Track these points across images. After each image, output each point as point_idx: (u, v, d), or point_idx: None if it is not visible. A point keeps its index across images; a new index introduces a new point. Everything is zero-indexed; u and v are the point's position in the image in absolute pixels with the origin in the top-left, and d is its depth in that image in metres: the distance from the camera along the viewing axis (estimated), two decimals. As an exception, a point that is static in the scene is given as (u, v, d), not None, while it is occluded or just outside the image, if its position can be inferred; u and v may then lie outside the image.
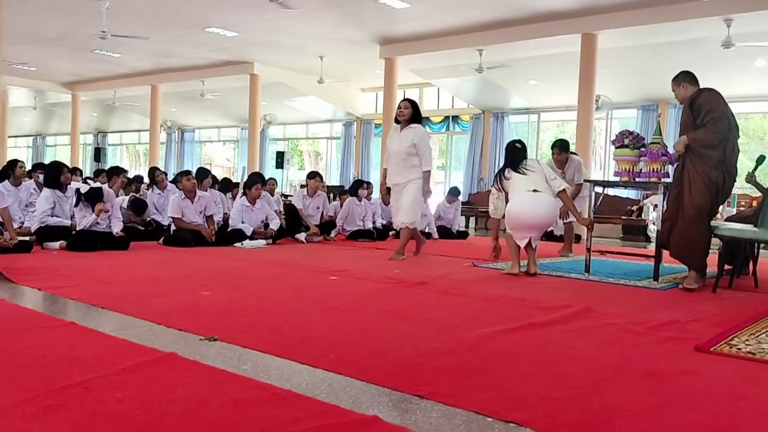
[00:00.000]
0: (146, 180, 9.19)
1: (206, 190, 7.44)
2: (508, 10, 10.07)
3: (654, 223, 10.19)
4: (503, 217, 5.42)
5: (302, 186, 8.63)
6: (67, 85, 18.85)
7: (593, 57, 10.31)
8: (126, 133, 24.54)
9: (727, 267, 4.66)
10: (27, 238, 5.72)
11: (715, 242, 4.57)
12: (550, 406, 1.86)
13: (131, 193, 7.92)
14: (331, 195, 9.60)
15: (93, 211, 5.87)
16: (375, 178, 14.41)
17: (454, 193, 9.85)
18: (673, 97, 4.42)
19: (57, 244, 5.78)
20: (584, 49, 10.30)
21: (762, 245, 5.24)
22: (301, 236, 7.66)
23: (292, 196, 10.28)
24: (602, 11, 9.83)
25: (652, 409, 1.87)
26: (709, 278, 4.49)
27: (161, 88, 17.11)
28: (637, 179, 4.99)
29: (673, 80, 4.62)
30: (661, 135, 4.97)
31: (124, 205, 7.05)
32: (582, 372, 2.25)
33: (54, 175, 6.16)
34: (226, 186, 9.02)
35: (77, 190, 5.98)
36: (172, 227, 6.75)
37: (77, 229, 5.90)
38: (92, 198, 5.89)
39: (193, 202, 6.77)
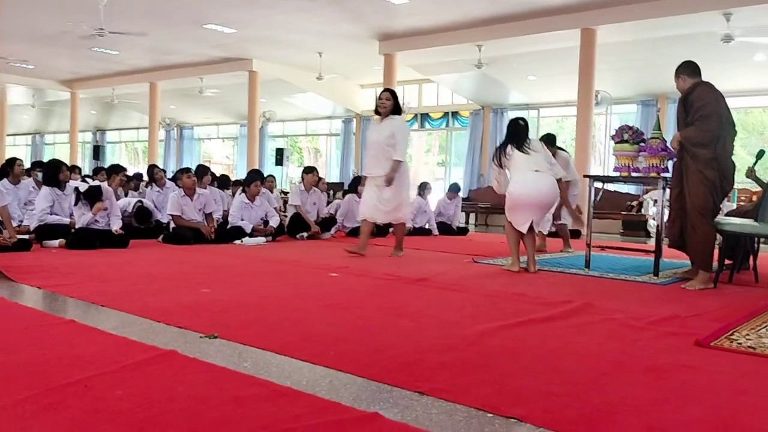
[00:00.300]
0: (145, 178, 9.19)
1: (206, 188, 7.43)
2: (507, 6, 10.06)
3: (654, 219, 10.18)
4: None
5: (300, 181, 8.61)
6: (65, 83, 18.83)
7: (592, 52, 10.29)
8: (125, 131, 24.51)
9: (727, 262, 4.66)
10: (26, 237, 5.72)
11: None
12: (550, 402, 1.85)
13: (131, 192, 7.90)
14: (331, 192, 9.58)
15: (92, 209, 5.86)
16: (375, 175, 14.37)
17: (454, 189, 9.85)
18: (672, 92, 4.42)
19: (56, 243, 5.78)
20: (583, 44, 10.29)
21: (762, 240, 5.24)
22: (302, 235, 7.65)
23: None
24: (601, 6, 9.81)
25: (653, 403, 1.87)
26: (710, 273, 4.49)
27: (160, 86, 17.09)
28: (636, 174, 4.99)
29: (675, 72, 4.57)
30: (660, 130, 4.97)
31: (129, 209, 7.04)
32: (582, 367, 2.24)
33: (53, 173, 6.15)
34: (225, 183, 9.01)
35: (76, 189, 5.97)
36: (172, 225, 6.75)
37: (76, 227, 5.89)
38: (91, 196, 5.88)
39: (192, 200, 6.77)
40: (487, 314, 3.15)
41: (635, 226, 10.89)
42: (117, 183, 7.59)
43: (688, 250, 4.48)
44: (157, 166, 8.76)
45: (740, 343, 2.63)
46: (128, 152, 25.64)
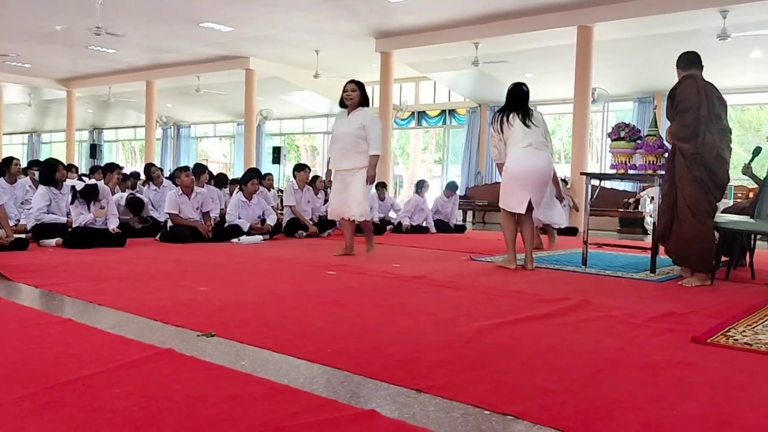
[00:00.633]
0: (142, 176, 9.18)
1: (203, 186, 7.43)
2: (504, 3, 10.06)
3: (651, 216, 10.20)
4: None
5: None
6: (62, 82, 18.79)
7: (589, 49, 10.31)
8: (122, 130, 24.47)
9: (724, 258, 4.67)
10: (23, 236, 5.71)
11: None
12: (547, 399, 1.86)
13: (128, 190, 7.89)
14: (328, 190, 9.56)
15: (89, 208, 5.86)
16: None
17: (451, 187, 9.86)
18: (669, 89, 4.38)
19: (53, 242, 5.77)
20: (580, 41, 10.30)
21: (758, 237, 5.25)
22: (301, 233, 7.64)
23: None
24: (598, 3, 9.82)
25: (650, 400, 1.87)
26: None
27: (156, 84, 17.06)
28: (633, 172, 4.99)
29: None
30: (657, 127, 4.97)
31: (122, 202, 7.03)
32: (579, 364, 2.25)
33: (49, 172, 6.14)
34: (222, 181, 9.01)
35: (73, 188, 5.97)
36: (169, 223, 6.74)
37: (73, 226, 5.89)
38: (88, 195, 5.88)
39: (190, 198, 6.76)
40: (484, 311, 3.15)
41: (632, 224, 10.91)
42: (114, 182, 7.59)
43: (668, 245, 4.42)
44: (154, 165, 8.75)
45: (736, 340, 2.64)
46: (125, 151, 25.61)
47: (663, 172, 4.84)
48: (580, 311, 3.20)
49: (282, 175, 16.64)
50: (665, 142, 4.74)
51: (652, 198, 9.60)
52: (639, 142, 4.94)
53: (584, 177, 5.36)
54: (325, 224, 8.09)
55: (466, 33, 11.36)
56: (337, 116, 5.69)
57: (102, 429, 1.57)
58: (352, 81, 5.54)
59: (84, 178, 8.06)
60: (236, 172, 17.83)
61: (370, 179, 5.43)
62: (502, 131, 4.93)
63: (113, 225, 6.04)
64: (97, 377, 1.93)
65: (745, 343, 2.59)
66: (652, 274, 4.72)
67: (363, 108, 5.47)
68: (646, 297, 3.77)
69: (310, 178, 8.19)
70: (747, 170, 5.30)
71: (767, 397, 1.94)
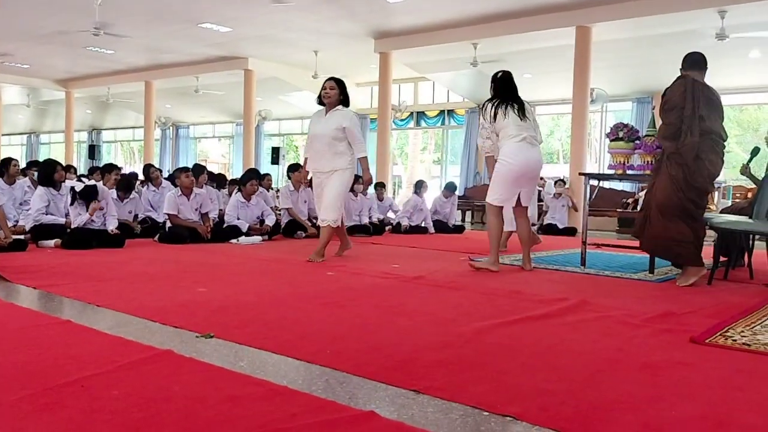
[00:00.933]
0: (141, 177, 9.17)
1: (202, 187, 7.43)
2: (503, 3, 10.07)
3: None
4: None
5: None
6: (60, 83, 18.78)
7: (588, 50, 10.32)
8: (120, 130, 24.47)
9: (722, 259, 4.67)
10: (22, 237, 5.70)
11: (710, 234, 4.58)
12: (546, 399, 1.86)
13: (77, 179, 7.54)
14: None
15: (87, 209, 5.85)
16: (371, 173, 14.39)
17: (450, 188, 9.86)
18: (665, 90, 4.38)
19: (52, 243, 5.77)
20: (579, 41, 10.31)
21: (757, 237, 5.26)
22: (300, 234, 7.63)
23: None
24: (596, 4, 9.83)
25: (648, 400, 1.87)
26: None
27: (155, 85, 17.06)
28: (631, 172, 5.00)
29: None
30: (655, 127, 4.97)
31: (114, 196, 6.84)
32: (578, 365, 2.25)
33: (47, 173, 6.14)
34: (220, 181, 9.00)
35: (72, 188, 5.96)
36: (168, 224, 6.74)
37: (72, 227, 5.88)
38: (87, 196, 5.88)
39: (189, 199, 6.76)
40: (483, 312, 3.15)
41: (631, 224, 10.88)
42: (111, 182, 7.57)
43: (642, 240, 4.43)
44: (153, 166, 8.73)
45: (735, 340, 2.64)
46: (124, 152, 25.61)
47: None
48: (579, 311, 3.21)
49: (281, 175, 16.64)
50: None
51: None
52: (637, 142, 4.95)
53: (583, 177, 5.36)
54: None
55: (464, 33, 11.37)
56: (314, 115, 5.35)
57: (101, 430, 1.57)
58: (332, 78, 5.24)
59: (83, 179, 8.05)
60: (235, 173, 17.82)
61: (367, 183, 5.40)
62: (495, 121, 4.71)
63: (112, 226, 6.04)
64: (96, 378, 1.93)
65: (744, 344, 2.59)
66: (651, 275, 4.72)
67: (342, 108, 5.18)
68: (644, 297, 3.77)
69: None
70: (745, 170, 5.30)
71: (765, 398, 1.94)
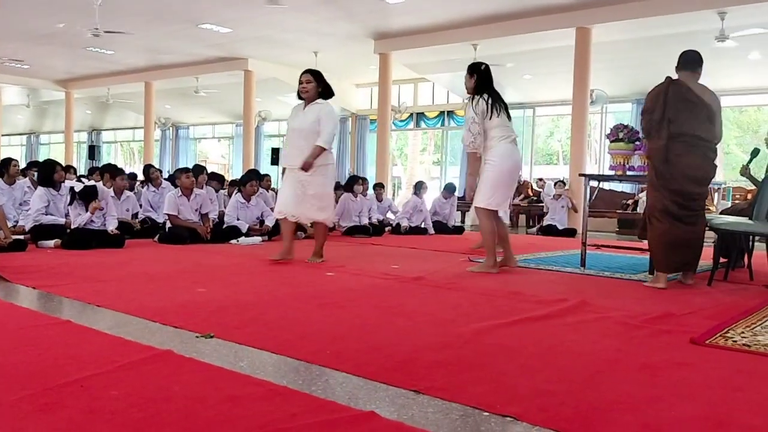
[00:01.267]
0: (141, 177, 9.17)
1: (202, 188, 7.43)
2: (503, 4, 10.08)
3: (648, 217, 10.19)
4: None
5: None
6: (60, 83, 18.78)
7: (588, 51, 10.33)
8: (120, 131, 24.47)
9: (722, 260, 4.67)
10: (21, 237, 5.70)
11: (710, 235, 4.57)
12: (546, 400, 1.86)
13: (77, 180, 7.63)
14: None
15: (87, 209, 5.85)
16: (371, 174, 14.41)
17: (450, 189, 9.86)
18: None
19: (52, 243, 5.76)
20: (579, 43, 10.32)
21: (757, 238, 5.26)
22: (300, 234, 7.62)
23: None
24: (596, 5, 9.84)
25: (648, 401, 1.87)
26: (705, 271, 4.51)
27: (155, 85, 17.07)
28: (631, 173, 5.00)
29: None
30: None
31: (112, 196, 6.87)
32: (578, 365, 2.25)
33: (47, 173, 6.14)
34: (219, 181, 8.98)
35: (71, 189, 5.96)
36: (168, 224, 6.74)
37: (72, 227, 5.88)
38: (86, 196, 5.88)
39: (189, 200, 6.76)
40: (482, 312, 3.15)
41: (631, 225, 10.91)
42: (114, 184, 7.57)
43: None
44: (153, 166, 8.74)
45: (735, 341, 2.64)
46: (124, 152, 25.61)
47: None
48: (579, 312, 3.21)
49: (281, 176, 16.64)
50: None
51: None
52: (637, 143, 4.95)
53: (583, 178, 5.36)
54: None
55: (464, 34, 11.38)
56: (293, 110, 5.15)
57: (101, 430, 1.57)
58: (308, 71, 5.01)
59: (83, 179, 8.05)
60: (235, 173, 17.83)
61: (304, 165, 4.82)
62: (490, 119, 4.57)
63: (112, 226, 6.03)
64: (96, 378, 1.93)
65: (744, 345, 2.59)
66: (650, 276, 4.71)
67: (321, 101, 4.96)
68: (644, 298, 3.77)
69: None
70: (745, 172, 5.31)
71: (766, 398, 1.94)
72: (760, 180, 5.10)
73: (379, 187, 9.70)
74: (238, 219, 7.06)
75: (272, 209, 7.82)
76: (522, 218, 12.79)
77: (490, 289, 3.90)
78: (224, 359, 2.24)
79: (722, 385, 2.06)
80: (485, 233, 4.72)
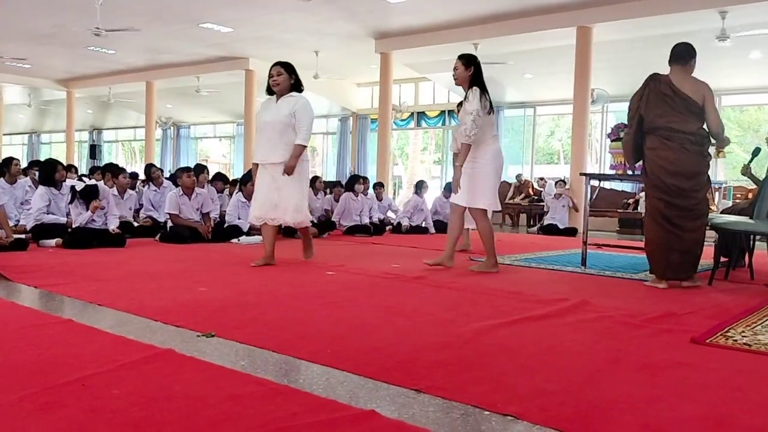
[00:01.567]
0: (142, 177, 9.19)
1: (203, 187, 7.44)
2: (503, 4, 10.07)
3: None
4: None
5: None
6: (61, 82, 18.79)
7: (589, 50, 10.32)
8: (121, 130, 24.49)
9: (723, 259, 4.67)
10: (22, 236, 5.71)
11: (711, 234, 4.57)
12: (546, 399, 1.86)
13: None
14: (328, 190, 9.58)
15: (88, 208, 5.86)
16: (371, 173, 14.40)
17: (450, 188, 9.85)
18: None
19: (53, 242, 5.77)
20: (580, 42, 10.31)
21: (757, 237, 5.26)
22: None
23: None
24: (597, 4, 9.83)
25: (648, 401, 1.87)
26: (705, 270, 4.50)
27: (156, 85, 17.07)
28: (632, 172, 5.00)
29: None
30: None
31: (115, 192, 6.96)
32: (578, 365, 2.25)
33: (48, 172, 6.15)
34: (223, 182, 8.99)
35: (72, 188, 5.97)
36: (169, 224, 6.75)
37: (73, 226, 5.89)
38: (87, 195, 5.89)
39: (190, 199, 6.77)
40: (483, 312, 3.15)
41: (631, 224, 10.91)
42: (117, 182, 7.59)
43: None
44: (154, 165, 8.75)
45: (736, 340, 2.64)
46: (125, 151, 25.61)
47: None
48: (579, 312, 3.21)
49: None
50: None
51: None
52: (638, 142, 4.94)
53: (583, 177, 5.36)
54: (324, 225, 8.09)
55: (465, 34, 11.37)
56: (263, 104, 4.94)
57: (102, 429, 1.57)
58: (278, 63, 4.80)
59: (84, 178, 8.06)
60: (236, 173, 17.83)
61: (288, 168, 4.68)
62: (489, 115, 4.59)
63: (113, 225, 6.04)
64: (97, 377, 1.94)
65: (745, 344, 2.59)
66: (652, 275, 4.71)
67: (295, 93, 4.77)
68: (645, 298, 3.77)
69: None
70: (746, 171, 5.30)
71: (766, 398, 1.94)
72: (760, 179, 5.10)
73: (379, 186, 9.71)
74: (239, 218, 7.06)
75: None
76: (523, 217, 12.79)
77: (490, 289, 3.90)
78: (225, 358, 2.24)
79: (723, 385, 2.06)
80: (485, 233, 4.71)
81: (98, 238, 5.78)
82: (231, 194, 8.12)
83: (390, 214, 9.70)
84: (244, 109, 15.29)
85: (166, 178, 8.55)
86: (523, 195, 12.92)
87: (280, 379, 2.01)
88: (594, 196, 5.39)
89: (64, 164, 6.76)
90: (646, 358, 2.36)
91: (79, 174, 9.47)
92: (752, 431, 1.69)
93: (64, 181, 6.24)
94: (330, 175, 17.62)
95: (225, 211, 7.42)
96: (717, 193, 6.76)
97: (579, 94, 10.52)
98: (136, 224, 7.19)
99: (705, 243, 4.23)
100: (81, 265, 4.54)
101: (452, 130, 4.71)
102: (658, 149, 4.05)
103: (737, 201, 9.61)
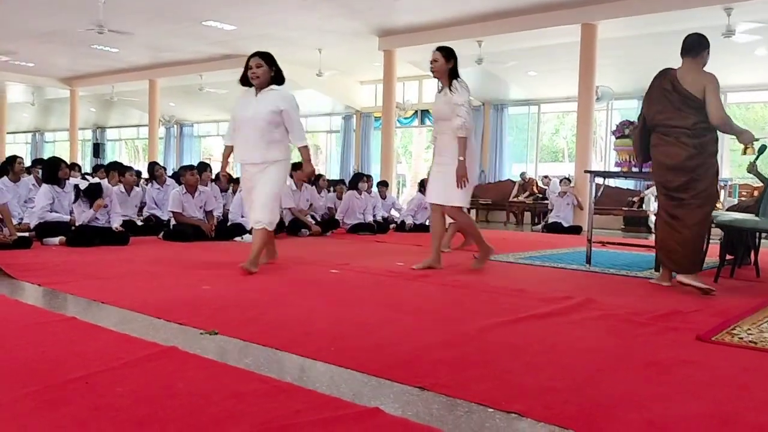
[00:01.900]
0: (146, 175, 9.19)
1: (206, 185, 7.43)
2: (508, 1, 10.04)
3: (655, 214, 10.16)
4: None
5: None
6: (65, 81, 18.82)
7: (593, 47, 10.28)
8: (125, 129, 24.50)
9: (728, 257, 4.65)
10: (26, 234, 5.71)
11: (716, 232, 4.55)
12: (551, 397, 1.85)
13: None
14: (331, 188, 9.56)
15: (91, 206, 5.87)
16: (375, 172, 14.39)
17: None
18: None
19: (56, 240, 5.78)
20: (584, 39, 10.27)
21: (763, 235, 5.23)
22: (304, 231, 7.61)
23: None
24: (602, 1, 9.79)
25: (654, 398, 1.86)
26: (711, 268, 4.49)
27: (159, 83, 17.07)
28: (637, 170, 4.98)
29: None
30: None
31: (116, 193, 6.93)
32: (583, 363, 2.24)
33: (52, 170, 6.15)
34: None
35: (76, 186, 5.98)
36: (172, 222, 6.75)
37: (77, 224, 5.90)
38: (91, 194, 5.89)
39: (193, 197, 6.77)
40: (487, 310, 3.15)
41: (636, 222, 10.88)
42: (115, 180, 7.60)
43: None
44: (157, 164, 8.76)
45: (741, 338, 2.63)
46: (128, 150, 25.65)
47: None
48: (584, 310, 3.20)
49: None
50: None
51: (656, 196, 9.55)
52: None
53: (588, 175, 5.34)
54: (328, 223, 8.09)
55: (469, 31, 11.33)
56: (240, 97, 4.57)
57: (105, 427, 1.57)
58: (257, 53, 4.49)
59: (87, 177, 8.07)
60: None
61: (309, 174, 4.55)
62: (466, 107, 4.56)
63: (116, 223, 6.04)
64: (101, 375, 1.94)
65: (750, 342, 2.57)
66: (656, 273, 4.69)
67: (276, 87, 4.43)
68: (650, 295, 3.76)
69: (314, 176, 8.16)
70: (752, 168, 5.27)
71: (772, 396, 1.93)
72: (767, 177, 5.08)
73: (382, 185, 9.69)
74: (242, 216, 7.05)
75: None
76: (527, 215, 12.76)
77: (494, 287, 3.89)
78: (228, 356, 2.24)
79: (728, 383, 2.05)
80: (467, 227, 4.77)
81: (101, 236, 5.79)
82: (234, 192, 8.12)
83: (394, 212, 9.68)
84: (247, 107, 15.27)
85: (170, 177, 8.55)
86: (527, 193, 12.89)
87: (283, 376, 2.01)
88: (599, 194, 5.37)
89: (68, 162, 6.77)
90: (651, 356, 2.35)
91: (83, 172, 9.48)
92: (758, 429, 1.68)
93: (68, 179, 6.24)
94: (333, 173, 17.61)
95: (228, 210, 7.42)
96: (722, 191, 6.74)
97: (583, 92, 10.48)
98: (139, 222, 7.21)
99: (711, 241, 4.21)
100: (84, 263, 4.54)
101: (433, 126, 4.60)
102: (658, 146, 4.05)
103: (743, 198, 9.58)
